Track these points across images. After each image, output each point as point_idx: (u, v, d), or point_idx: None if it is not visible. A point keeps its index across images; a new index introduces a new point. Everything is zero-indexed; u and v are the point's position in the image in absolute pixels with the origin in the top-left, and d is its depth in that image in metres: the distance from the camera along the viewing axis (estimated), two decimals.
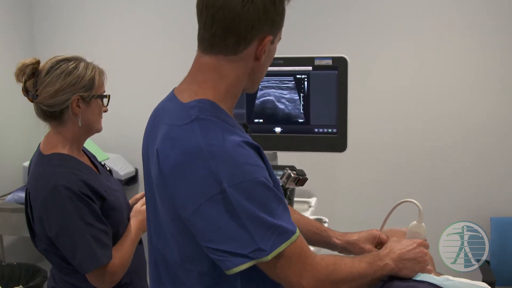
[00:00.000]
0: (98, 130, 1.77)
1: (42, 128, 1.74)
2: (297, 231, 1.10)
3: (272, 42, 1.18)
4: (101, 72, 1.74)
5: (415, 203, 1.50)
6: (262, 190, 1.07)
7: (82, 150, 1.80)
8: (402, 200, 1.55)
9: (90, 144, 3.25)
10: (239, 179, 1.04)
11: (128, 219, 1.81)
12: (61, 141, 1.69)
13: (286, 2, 1.17)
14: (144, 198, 1.45)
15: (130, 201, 1.92)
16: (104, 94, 1.75)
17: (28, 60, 1.63)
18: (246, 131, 1.21)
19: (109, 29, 3.78)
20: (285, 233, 1.07)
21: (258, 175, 1.07)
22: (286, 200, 2.07)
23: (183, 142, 1.08)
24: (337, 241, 1.60)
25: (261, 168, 1.10)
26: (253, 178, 1.06)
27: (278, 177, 2.02)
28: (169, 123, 1.14)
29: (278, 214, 1.07)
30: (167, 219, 1.17)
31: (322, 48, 3.28)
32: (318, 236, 1.61)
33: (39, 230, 1.63)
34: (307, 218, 1.66)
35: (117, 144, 3.76)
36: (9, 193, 3.38)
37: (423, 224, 1.51)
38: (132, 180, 3.76)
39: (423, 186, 3.38)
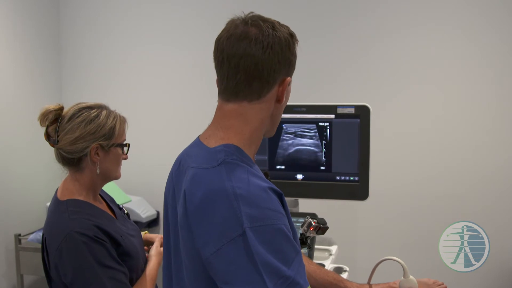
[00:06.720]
0: (116, 177, 1.77)
1: (66, 170, 1.74)
2: None
3: (289, 84, 1.23)
4: (123, 121, 1.75)
5: (397, 261, 1.61)
6: (281, 238, 1.06)
7: (100, 194, 1.80)
8: (383, 258, 1.66)
9: (112, 187, 3.28)
10: (259, 222, 1.04)
11: (144, 264, 1.79)
12: (78, 188, 1.69)
13: (296, 44, 1.24)
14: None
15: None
16: (124, 143, 1.75)
17: (52, 106, 1.65)
18: (266, 179, 1.22)
19: (135, 78, 3.88)
20: (295, 286, 1.04)
21: (278, 221, 1.06)
22: (306, 248, 2.06)
23: (209, 184, 1.09)
24: None
25: (282, 215, 1.09)
26: (273, 224, 1.05)
27: (299, 225, 2.00)
28: (196, 166, 1.16)
29: (293, 266, 1.05)
30: (187, 262, 1.16)
31: (343, 96, 3.30)
32: (335, 287, 1.60)
33: (55, 276, 1.62)
34: (325, 269, 1.66)
35: (140, 187, 3.79)
36: (32, 233, 3.40)
37: (410, 277, 1.61)
38: (153, 222, 3.77)
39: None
